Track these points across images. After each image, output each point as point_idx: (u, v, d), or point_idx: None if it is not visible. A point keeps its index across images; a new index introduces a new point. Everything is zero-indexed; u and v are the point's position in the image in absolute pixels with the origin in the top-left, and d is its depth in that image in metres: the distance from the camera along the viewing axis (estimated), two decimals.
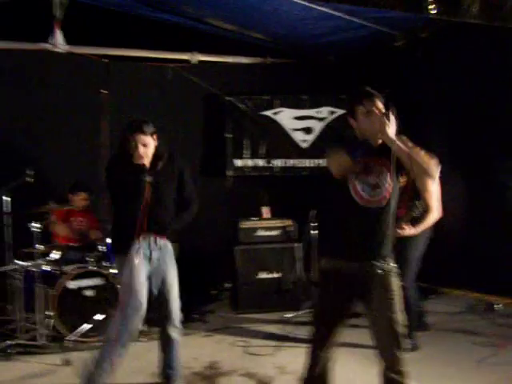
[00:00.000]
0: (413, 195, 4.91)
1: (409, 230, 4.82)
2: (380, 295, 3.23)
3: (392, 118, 3.11)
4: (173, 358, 4.24)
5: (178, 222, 4.21)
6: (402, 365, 3.19)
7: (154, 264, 4.05)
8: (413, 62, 7.49)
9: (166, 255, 4.12)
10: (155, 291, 4.07)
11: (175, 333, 4.18)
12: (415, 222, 4.88)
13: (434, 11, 4.19)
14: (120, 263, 4.06)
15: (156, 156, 4.09)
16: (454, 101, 7.10)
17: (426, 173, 3.17)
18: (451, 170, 6.54)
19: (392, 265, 3.29)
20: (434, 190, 4.95)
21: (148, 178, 3.92)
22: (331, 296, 3.35)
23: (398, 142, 3.11)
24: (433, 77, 7.39)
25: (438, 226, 5.07)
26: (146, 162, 4.01)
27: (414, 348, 5.00)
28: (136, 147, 3.98)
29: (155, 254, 4.05)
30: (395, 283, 3.27)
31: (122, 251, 3.99)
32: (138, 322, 3.95)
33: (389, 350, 3.20)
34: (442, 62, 7.19)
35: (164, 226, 4.08)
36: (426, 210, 4.88)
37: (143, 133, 4.01)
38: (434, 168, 3.17)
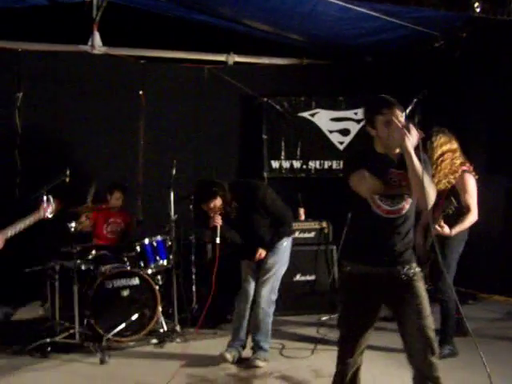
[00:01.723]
0: (448, 197, 4.83)
1: (446, 230, 4.75)
2: (408, 301, 3.17)
3: (413, 130, 3.03)
4: (256, 334, 4.91)
5: (275, 238, 4.97)
6: (437, 370, 3.12)
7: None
8: (451, 62, 7.36)
9: (272, 255, 4.99)
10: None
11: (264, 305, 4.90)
12: (452, 221, 4.79)
13: (479, 9, 4.08)
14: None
15: (226, 204, 4.88)
16: (494, 102, 6.96)
17: (423, 199, 3.08)
18: (490, 172, 6.43)
19: (417, 269, 3.26)
20: (473, 192, 4.88)
21: (217, 240, 4.88)
22: (357, 301, 3.32)
23: (414, 158, 3.01)
24: (472, 77, 7.26)
25: (475, 229, 4.98)
26: (219, 220, 4.85)
27: (453, 354, 4.92)
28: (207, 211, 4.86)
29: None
30: (421, 288, 3.22)
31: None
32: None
33: (422, 357, 3.12)
34: (482, 62, 7.06)
35: (259, 244, 4.95)
36: (462, 210, 4.80)
37: (206, 201, 4.80)
38: (432, 198, 3.08)
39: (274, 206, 4.94)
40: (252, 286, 5.04)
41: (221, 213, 4.88)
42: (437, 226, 4.72)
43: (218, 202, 4.81)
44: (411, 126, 3.04)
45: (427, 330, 3.12)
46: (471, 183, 4.89)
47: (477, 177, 4.94)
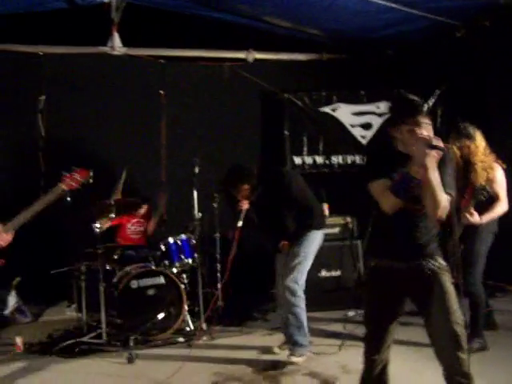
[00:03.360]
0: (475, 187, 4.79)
1: (476, 218, 4.72)
2: (433, 296, 3.12)
3: (438, 142, 2.93)
4: (286, 327, 4.85)
5: (300, 229, 4.90)
6: (467, 366, 3.05)
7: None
8: (474, 52, 7.24)
9: (297, 245, 4.89)
10: None
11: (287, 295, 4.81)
12: (482, 211, 4.77)
13: None
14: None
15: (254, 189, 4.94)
16: None
17: (431, 211, 3.03)
18: None
19: (442, 263, 3.19)
20: (502, 182, 4.83)
21: (240, 223, 5.01)
22: (381, 296, 3.29)
23: (431, 174, 2.91)
24: (496, 67, 7.14)
25: (504, 220, 4.92)
26: (246, 204, 4.98)
27: (483, 348, 4.84)
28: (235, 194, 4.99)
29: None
30: (447, 282, 3.16)
31: None
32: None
33: (450, 353, 3.06)
34: (506, 52, 6.92)
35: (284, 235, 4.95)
36: (493, 198, 4.78)
37: (234, 185, 4.92)
38: (439, 213, 3.00)
39: (300, 195, 4.88)
40: None
41: (248, 198, 4.90)
42: (467, 214, 4.69)
43: (246, 186, 4.84)
44: (436, 139, 2.94)
45: (454, 326, 3.05)
46: (500, 173, 4.86)
47: (505, 167, 4.89)
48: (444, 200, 3.00)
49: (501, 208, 4.83)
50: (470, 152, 4.84)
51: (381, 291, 3.29)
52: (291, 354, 4.80)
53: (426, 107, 3.11)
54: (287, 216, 4.90)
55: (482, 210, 4.77)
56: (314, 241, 4.95)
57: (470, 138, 4.84)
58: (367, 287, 3.47)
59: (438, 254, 3.23)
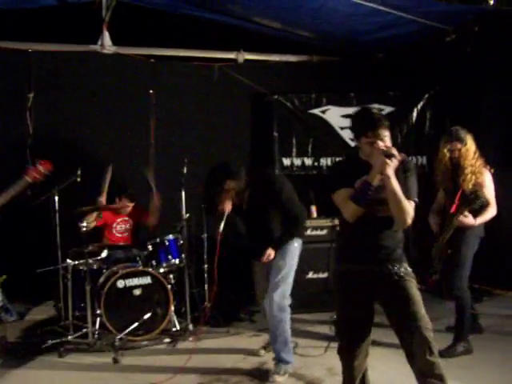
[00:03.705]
0: (466, 193, 4.82)
1: (470, 219, 4.77)
2: (400, 303, 3.16)
3: (395, 152, 3.07)
4: (274, 343, 4.66)
5: (285, 237, 4.71)
6: (438, 368, 3.09)
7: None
8: (464, 56, 7.28)
9: (281, 257, 4.70)
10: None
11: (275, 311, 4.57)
12: (475, 213, 4.82)
13: (492, 1, 4.02)
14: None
15: (240, 191, 4.69)
16: (507, 97, 6.88)
17: (399, 218, 3.16)
18: (505, 168, 6.36)
19: (408, 269, 3.24)
20: (490, 187, 4.87)
21: (220, 228, 4.81)
22: (349, 300, 3.32)
23: (393, 182, 3.07)
24: (485, 72, 7.18)
25: (490, 224, 4.96)
26: (228, 206, 4.73)
27: (467, 351, 4.87)
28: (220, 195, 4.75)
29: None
30: (414, 288, 3.20)
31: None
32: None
33: (421, 358, 3.10)
34: (495, 56, 6.97)
35: (268, 239, 4.70)
36: (485, 204, 4.82)
37: (223, 183, 4.62)
38: (407, 220, 3.14)
39: (289, 202, 4.67)
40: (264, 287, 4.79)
41: (232, 201, 4.74)
42: (460, 217, 4.72)
43: (232, 184, 4.61)
44: (393, 149, 3.09)
45: (423, 331, 3.10)
46: (488, 178, 4.90)
47: (492, 171, 4.92)
48: (409, 204, 3.13)
49: (492, 211, 4.88)
50: (460, 155, 4.86)
51: (348, 295, 3.32)
52: (275, 373, 4.57)
53: (386, 120, 3.21)
54: (273, 221, 4.70)
55: (473, 215, 4.80)
56: (296, 251, 4.78)
57: (462, 141, 4.86)
58: (335, 293, 3.48)
59: (404, 259, 3.28)
